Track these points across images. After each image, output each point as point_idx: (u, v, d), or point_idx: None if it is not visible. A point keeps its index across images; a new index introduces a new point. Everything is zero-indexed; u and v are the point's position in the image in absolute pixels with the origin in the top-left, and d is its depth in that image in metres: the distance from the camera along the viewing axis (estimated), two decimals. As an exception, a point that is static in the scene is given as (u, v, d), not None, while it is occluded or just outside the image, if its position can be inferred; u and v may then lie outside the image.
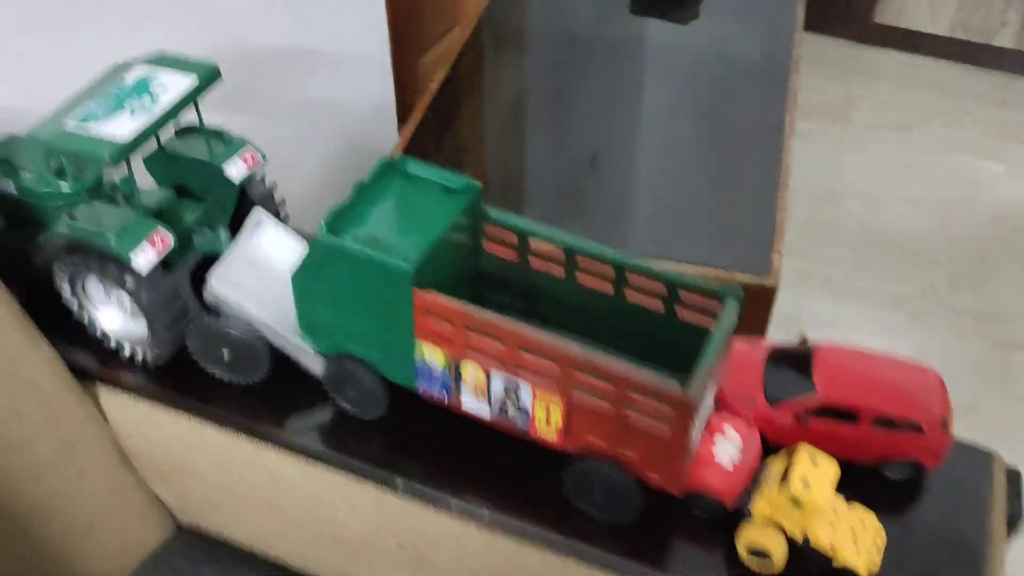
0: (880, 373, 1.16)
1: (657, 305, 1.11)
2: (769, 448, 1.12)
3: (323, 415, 1.20)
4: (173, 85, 1.16)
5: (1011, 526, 1.15)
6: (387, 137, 2.45)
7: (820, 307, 2.59)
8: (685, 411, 0.96)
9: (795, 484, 1.02)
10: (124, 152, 1.09)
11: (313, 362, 1.18)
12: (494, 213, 1.14)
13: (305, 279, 1.09)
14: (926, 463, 1.13)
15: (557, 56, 2.51)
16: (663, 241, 1.86)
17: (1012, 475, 1.18)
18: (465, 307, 1.01)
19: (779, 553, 1.04)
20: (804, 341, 1.22)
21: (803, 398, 1.13)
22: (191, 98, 1.16)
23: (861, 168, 3.13)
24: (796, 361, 1.18)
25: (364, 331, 1.09)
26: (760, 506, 1.05)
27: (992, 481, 1.16)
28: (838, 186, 3.03)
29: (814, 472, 1.03)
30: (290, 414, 1.20)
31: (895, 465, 1.15)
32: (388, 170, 1.14)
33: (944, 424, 1.11)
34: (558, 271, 1.15)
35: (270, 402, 1.21)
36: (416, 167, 1.14)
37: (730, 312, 1.05)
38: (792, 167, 2.08)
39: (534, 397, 1.04)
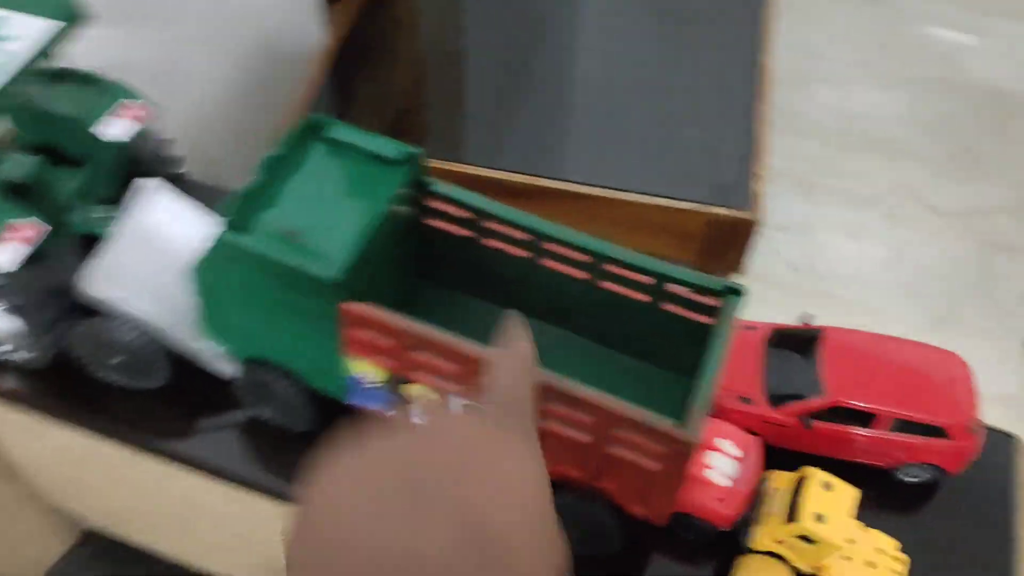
0: (898, 365, 0.99)
1: (640, 295, 0.92)
2: (770, 449, 0.96)
3: (240, 425, 1.00)
4: (26, 32, 0.91)
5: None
6: (309, 30, 2.15)
7: (787, 207, 2.39)
8: (683, 451, 0.78)
9: (807, 520, 0.85)
10: None
11: (224, 365, 0.98)
12: (441, 187, 0.93)
13: (207, 277, 0.88)
14: (948, 468, 0.98)
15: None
16: (626, 168, 1.62)
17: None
18: (407, 325, 0.81)
19: (784, 590, 0.89)
20: (807, 321, 1.04)
21: (811, 400, 0.95)
22: (50, 47, 0.92)
23: (829, 48, 2.89)
24: (800, 348, 1.00)
25: (283, 337, 0.89)
26: (762, 539, 0.89)
27: (1016, 470, 1.02)
28: (804, 69, 2.79)
29: (828, 501, 0.87)
30: (200, 424, 1.01)
31: (912, 468, 0.99)
32: (306, 136, 0.91)
33: (972, 426, 0.95)
34: (520, 252, 0.94)
35: (175, 411, 1.01)
36: (342, 131, 0.91)
37: (730, 314, 0.86)
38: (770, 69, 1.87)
39: (495, 423, 0.85)
